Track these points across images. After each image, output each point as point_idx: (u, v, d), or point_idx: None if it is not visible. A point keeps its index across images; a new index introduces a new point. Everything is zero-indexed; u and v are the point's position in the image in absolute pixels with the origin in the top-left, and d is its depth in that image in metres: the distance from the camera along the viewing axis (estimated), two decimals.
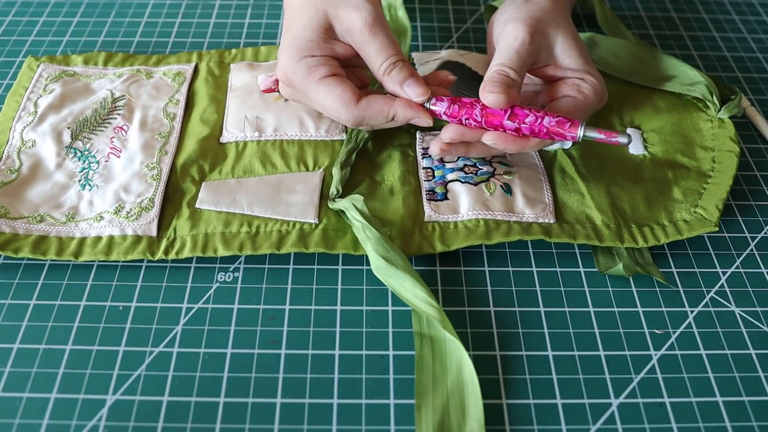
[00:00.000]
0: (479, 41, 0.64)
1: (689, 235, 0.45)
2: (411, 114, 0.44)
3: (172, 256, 0.44)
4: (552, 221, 0.45)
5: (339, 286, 0.44)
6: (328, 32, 0.44)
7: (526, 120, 0.42)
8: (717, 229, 0.45)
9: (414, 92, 0.44)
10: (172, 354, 0.40)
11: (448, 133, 0.44)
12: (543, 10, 0.47)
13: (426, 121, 0.44)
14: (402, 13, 0.63)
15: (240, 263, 0.45)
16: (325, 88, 0.44)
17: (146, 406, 0.38)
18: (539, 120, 0.42)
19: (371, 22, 0.43)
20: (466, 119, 0.43)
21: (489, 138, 0.43)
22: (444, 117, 0.44)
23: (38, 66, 0.56)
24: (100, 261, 0.44)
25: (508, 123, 0.42)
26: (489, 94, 0.42)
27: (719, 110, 0.53)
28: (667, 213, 0.47)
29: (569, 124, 0.42)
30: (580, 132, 0.41)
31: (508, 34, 0.46)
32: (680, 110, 0.54)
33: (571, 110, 0.45)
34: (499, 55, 0.45)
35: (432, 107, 0.44)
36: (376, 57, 0.44)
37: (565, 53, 0.47)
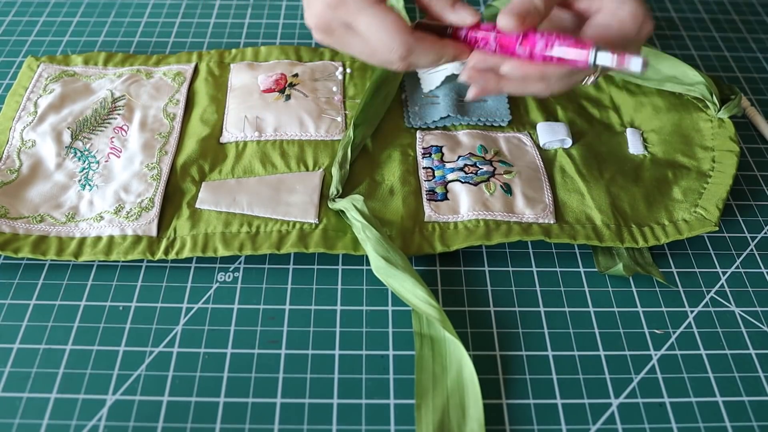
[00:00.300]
0: None
1: (689, 234, 0.45)
2: (456, 52, 0.42)
3: (172, 256, 0.44)
4: (552, 221, 0.45)
5: (339, 286, 0.44)
6: None
7: (537, 45, 0.39)
8: (717, 228, 0.45)
9: (466, 12, 0.42)
10: (172, 354, 0.40)
11: (473, 59, 0.42)
12: None
13: (464, 53, 0.42)
14: (403, 15, 0.62)
15: (240, 263, 0.45)
16: (381, 12, 0.41)
17: (146, 406, 0.38)
18: (550, 44, 0.38)
19: None
20: (483, 45, 0.41)
21: (507, 67, 0.40)
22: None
23: (38, 66, 0.56)
24: (100, 261, 0.44)
25: (519, 50, 0.40)
26: (503, 16, 0.40)
27: (719, 110, 0.53)
28: (667, 213, 0.47)
29: (580, 45, 0.37)
30: (591, 54, 0.37)
31: None
32: (680, 110, 0.54)
33: (602, 35, 0.40)
34: None
35: (455, 35, 0.42)
36: None
37: None
